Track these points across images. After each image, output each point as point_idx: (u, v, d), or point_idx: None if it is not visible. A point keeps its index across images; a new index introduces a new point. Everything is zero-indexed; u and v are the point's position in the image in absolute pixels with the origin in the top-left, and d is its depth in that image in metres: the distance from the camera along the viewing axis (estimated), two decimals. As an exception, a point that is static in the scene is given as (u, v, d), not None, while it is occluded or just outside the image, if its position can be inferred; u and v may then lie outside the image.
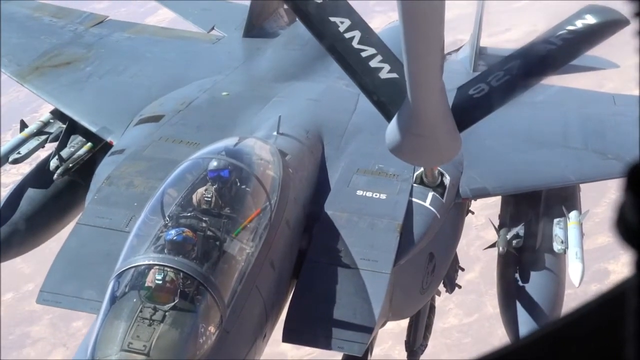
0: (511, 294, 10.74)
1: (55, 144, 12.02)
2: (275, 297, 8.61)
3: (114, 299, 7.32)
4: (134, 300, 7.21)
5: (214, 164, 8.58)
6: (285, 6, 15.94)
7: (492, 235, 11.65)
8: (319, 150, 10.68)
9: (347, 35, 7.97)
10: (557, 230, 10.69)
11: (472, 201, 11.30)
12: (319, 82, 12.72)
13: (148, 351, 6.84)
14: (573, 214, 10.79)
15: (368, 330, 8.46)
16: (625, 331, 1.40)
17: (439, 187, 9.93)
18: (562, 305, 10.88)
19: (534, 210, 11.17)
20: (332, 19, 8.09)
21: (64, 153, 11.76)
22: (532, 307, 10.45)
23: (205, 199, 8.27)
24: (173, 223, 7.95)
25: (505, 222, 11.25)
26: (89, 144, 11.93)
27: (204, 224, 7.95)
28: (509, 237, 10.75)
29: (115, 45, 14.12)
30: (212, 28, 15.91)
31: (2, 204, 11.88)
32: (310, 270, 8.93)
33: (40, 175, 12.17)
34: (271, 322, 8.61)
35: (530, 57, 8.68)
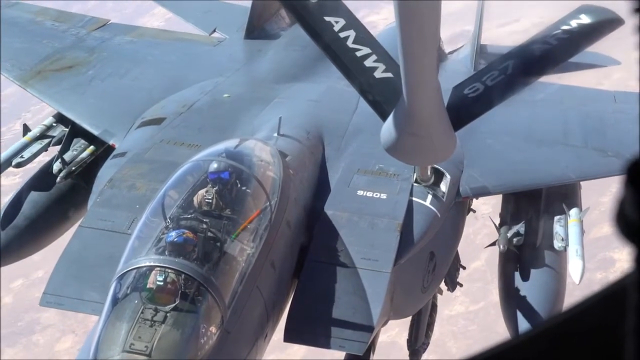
0: (512, 291, 10.77)
1: (58, 147, 12.10)
2: (276, 297, 8.67)
3: (115, 301, 7.40)
4: (136, 301, 7.28)
5: (214, 165, 8.65)
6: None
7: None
8: (319, 151, 10.73)
9: (342, 34, 8.01)
10: (557, 228, 10.71)
11: (474, 200, 11.36)
12: (320, 83, 12.76)
13: (150, 352, 6.91)
14: (573, 212, 10.81)
15: (369, 329, 8.51)
16: (625, 327, 1.39)
17: (439, 186, 9.97)
18: (563, 302, 10.90)
19: (534, 208, 11.18)
20: (327, 18, 8.14)
21: (67, 156, 11.83)
22: (533, 305, 10.48)
23: (206, 200, 8.33)
24: (174, 225, 8.02)
25: (506, 220, 11.28)
26: (92, 147, 11.99)
27: (204, 226, 8.02)
28: (509, 235, 10.77)
29: (117, 48, 14.19)
30: (214, 30, 15.99)
31: (5, 207, 11.97)
32: (311, 270, 8.99)
33: (43, 179, 12.24)
34: (272, 322, 8.67)
35: (525, 56, 8.71)
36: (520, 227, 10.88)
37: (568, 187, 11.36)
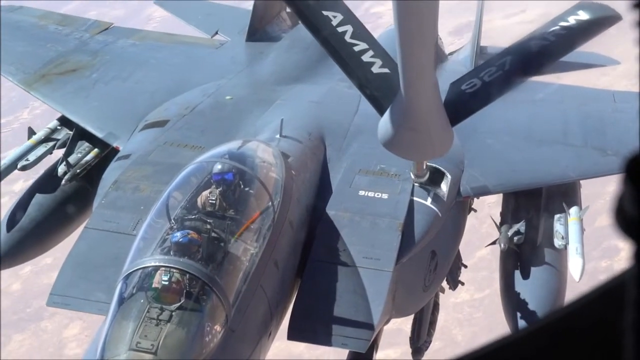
0: (513, 289, 10.84)
1: (63, 150, 12.21)
2: (279, 296, 8.78)
3: (122, 300, 7.52)
4: (141, 301, 7.40)
5: (217, 167, 8.76)
6: (288, 9, 16.13)
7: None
8: (321, 152, 10.84)
9: (340, 29, 8.07)
10: (557, 226, 10.79)
11: (475, 199, 11.45)
12: (321, 84, 12.86)
13: (156, 350, 7.02)
14: (573, 210, 10.89)
15: (371, 327, 8.61)
16: (624, 322, 1.40)
17: (440, 186, 10.07)
18: (563, 300, 10.99)
19: (534, 206, 11.26)
20: (325, 12, 8.20)
21: (72, 159, 11.93)
22: (533, 303, 10.56)
23: (210, 201, 8.44)
24: (178, 225, 8.15)
25: (507, 219, 11.37)
26: (96, 149, 12.09)
27: (208, 226, 8.14)
28: (510, 233, 10.86)
29: (120, 51, 14.29)
30: (216, 33, 16.10)
31: (11, 210, 12.08)
32: (313, 270, 9.10)
33: (48, 181, 12.35)
34: (276, 320, 8.78)
35: (523, 53, 8.77)
36: (520, 226, 10.96)
37: (568, 185, 11.43)
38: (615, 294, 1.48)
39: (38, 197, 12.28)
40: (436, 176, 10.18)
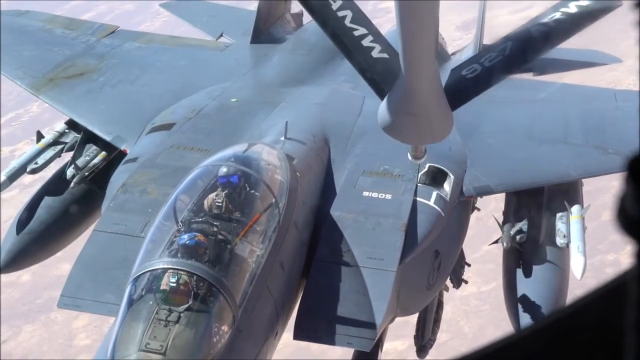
0: (515, 287, 10.95)
1: (71, 153, 12.37)
2: (285, 297, 8.93)
3: (131, 302, 7.68)
4: (150, 302, 7.56)
5: (223, 170, 8.91)
6: (292, 11, 16.27)
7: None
8: (325, 153, 10.97)
9: (340, 13, 8.12)
10: (559, 225, 10.90)
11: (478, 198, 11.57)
12: (325, 85, 12.96)
13: (164, 351, 7.19)
14: (575, 209, 11.00)
15: (375, 326, 8.75)
16: (626, 321, 1.40)
17: (443, 186, 10.18)
18: (565, 298, 11.06)
19: (536, 205, 11.35)
20: None
21: (80, 162, 12.07)
22: (536, 301, 10.66)
23: (216, 204, 8.60)
24: (186, 228, 8.30)
25: (509, 218, 11.48)
26: (104, 152, 12.23)
27: (215, 229, 8.29)
28: (512, 232, 10.97)
29: (127, 55, 14.43)
30: (221, 35, 16.24)
31: (21, 212, 12.24)
32: (318, 270, 9.24)
33: (57, 184, 12.51)
34: (282, 320, 8.93)
35: (523, 38, 8.77)
36: (523, 225, 11.05)
37: (569, 184, 11.53)
38: (617, 293, 1.48)
39: (47, 200, 12.44)
40: (439, 176, 10.31)
